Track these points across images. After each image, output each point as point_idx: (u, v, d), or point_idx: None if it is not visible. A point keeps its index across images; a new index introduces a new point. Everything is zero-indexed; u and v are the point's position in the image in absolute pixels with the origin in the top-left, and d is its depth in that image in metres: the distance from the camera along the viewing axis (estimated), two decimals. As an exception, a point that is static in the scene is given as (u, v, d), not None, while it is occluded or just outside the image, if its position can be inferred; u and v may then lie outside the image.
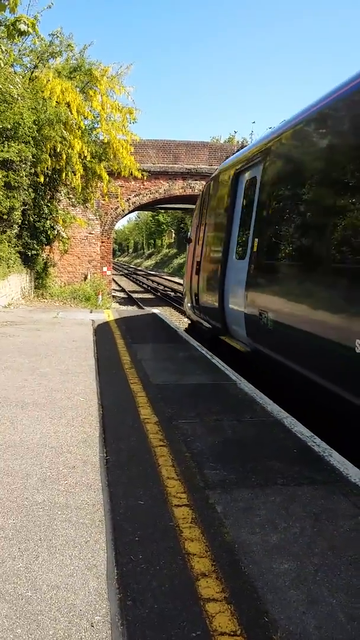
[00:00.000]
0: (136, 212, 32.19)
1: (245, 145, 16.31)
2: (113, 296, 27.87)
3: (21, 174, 14.20)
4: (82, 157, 17.10)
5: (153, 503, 3.53)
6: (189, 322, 13.54)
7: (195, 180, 25.07)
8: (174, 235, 74.18)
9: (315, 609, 2.51)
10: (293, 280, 6.20)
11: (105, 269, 25.64)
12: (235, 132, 62.94)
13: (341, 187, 5.21)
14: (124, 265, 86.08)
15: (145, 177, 21.23)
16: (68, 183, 18.21)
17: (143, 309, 21.93)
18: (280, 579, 2.74)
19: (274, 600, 2.57)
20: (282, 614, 2.48)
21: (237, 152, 11.67)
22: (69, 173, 17.25)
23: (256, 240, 7.29)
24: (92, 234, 25.04)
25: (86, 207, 21.14)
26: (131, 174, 19.50)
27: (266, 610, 2.51)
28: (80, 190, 18.72)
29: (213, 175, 11.21)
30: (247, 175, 8.36)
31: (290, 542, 3.08)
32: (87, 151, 17.21)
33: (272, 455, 4.36)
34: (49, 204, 18.15)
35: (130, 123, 18.88)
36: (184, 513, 3.39)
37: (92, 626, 2.40)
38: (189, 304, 12.20)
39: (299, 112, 6.51)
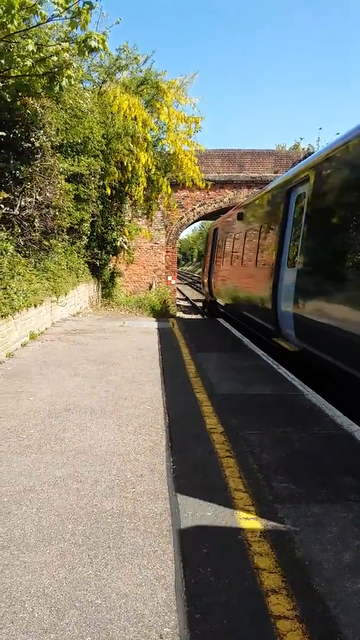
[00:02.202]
0: (201, 221, 32.27)
1: (312, 153, 16.20)
2: (177, 305, 28.04)
3: (90, 187, 14.56)
4: (147, 170, 17.37)
5: (221, 514, 3.49)
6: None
7: (260, 188, 24.92)
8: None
9: (393, 634, 2.39)
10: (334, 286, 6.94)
11: (170, 277, 25.86)
12: (302, 138, 62.11)
13: None
14: (188, 274, 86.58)
15: (209, 187, 21.29)
16: (132, 195, 18.52)
17: (206, 317, 21.92)
18: (354, 598, 2.64)
19: (348, 622, 2.48)
20: (356, 636, 2.38)
21: (303, 159, 11.88)
22: (134, 185, 17.55)
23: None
24: (157, 243, 25.35)
25: (150, 218, 21.45)
26: (195, 184, 19.62)
27: (339, 631, 2.42)
28: (142, 202, 19.01)
29: (259, 194, 12.57)
30: (298, 190, 9.08)
31: (364, 561, 2.96)
32: (152, 164, 17.46)
33: (342, 470, 4.22)
34: (115, 216, 18.53)
35: (195, 132, 19.02)
36: (252, 526, 3.33)
37: (161, 638, 2.39)
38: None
39: (342, 135, 7.29)
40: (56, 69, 8.67)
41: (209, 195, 24.80)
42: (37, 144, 10.91)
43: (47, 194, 11.55)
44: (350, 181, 6.62)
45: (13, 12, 7.39)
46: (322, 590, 2.70)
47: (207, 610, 2.55)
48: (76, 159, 14.06)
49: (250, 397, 6.46)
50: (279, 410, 5.94)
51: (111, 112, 15.77)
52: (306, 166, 8.60)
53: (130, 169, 16.68)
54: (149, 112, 17.58)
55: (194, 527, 3.32)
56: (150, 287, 25.41)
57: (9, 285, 8.91)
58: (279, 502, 3.66)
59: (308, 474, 4.14)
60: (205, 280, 20.57)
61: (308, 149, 31.05)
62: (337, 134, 9.69)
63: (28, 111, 10.50)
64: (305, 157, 16.15)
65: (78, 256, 15.48)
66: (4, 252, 9.42)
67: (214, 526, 3.34)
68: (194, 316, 25.14)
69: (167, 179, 18.90)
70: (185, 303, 34.47)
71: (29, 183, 11.01)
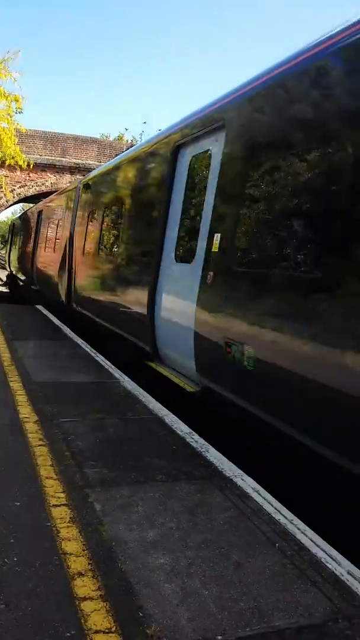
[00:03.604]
0: (22, 204, 31.01)
1: (134, 145, 16.41)
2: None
3: None
4: None
5: (30, 503, 3.44)
6: None
7: (83, 175, 24.72)
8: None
9: (189, 602, 2.60)
10: None
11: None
12: (127, 129, 62.69)
13: None
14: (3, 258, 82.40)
15: (31, 168, 20.53)
16: None
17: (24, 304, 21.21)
18: (155, 573, 2.80)
19: (149, 595, 2.63)
20: (156, 608, 2.54)
21: (126, 150, 11.45)
22: None
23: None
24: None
25: None
26: (17, 164, 18.76)
27: (141, 605, 2.55)
28: None
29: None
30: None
31: (167, 536, 3.15)
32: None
33: (152, 452, 4.43)
34: None
35: (15, 112, 18.11)
36: (61, 513, 3.35)
37: None
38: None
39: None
40: None
41: (30, 177, 23.93)
42: None
43: None
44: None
45: None
46: (127, 569, 2.82)
47: (12, 600, 2.51)
48: None
49: (67, 385, 6.43)
50: (95, 397, 6.01)
51: None
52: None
53: None
54: None
55: (0, 519, 3.23)
56: None
57: None
58: (90, 487, 3.72)
59: (120, 458, 4.27)
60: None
61: (132, 141, 31.55)
62: (159, 129, 9.36)
63: None
64: (128, 149, 16.19)
65: None
66: None
67: (22, 515, 3.28)
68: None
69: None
70: (3, 289, 32.84)
71: None
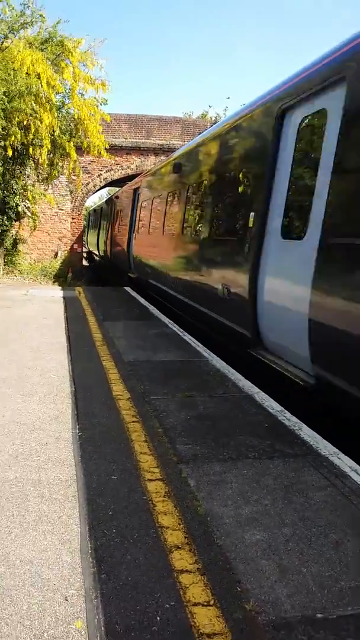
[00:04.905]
0: (107, 187, 31.63)
1: (218, 121, 15.69)
2: (84, 273, 27.56)
3: (-11, 147, 13.82)
4: (52, 132, 16.70)
5: (126, 478, 3.53)
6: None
7: (167, 156, 24.79)
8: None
9: (287, 578, 2.56)
10: None
11: (75, 245, 25.27)
12: (210, 106, 61.97)
13: None
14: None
15: (114, 157, 20.84)
16: (36, 159, 17.75)
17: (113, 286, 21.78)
18: (252, 549, 2.79)
19: (246, 571, 2.62)
20: (254, 584, 2.53)
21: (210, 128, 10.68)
22: (37, 147, 16.83)
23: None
24: (62, 210, 24.58)
25: (54, 183, 20.70)
26: (100, 154, 19.11)
27: (239, 580, 2.55)
28: (46, 166, 18.29)
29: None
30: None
31: (262, 514, 3.13)
32: (57, 126, 16.79)
33: (243, 430, 4.40)
34: (17, 179, 17.73)
35: (101, 105, 18.37)
36: (157, 487, 3.41)
37: (67, 600, 2.41)
38: None
39: None
40: None
41: (115, 161, 24.30)
42: None
43: None
44: None
45: None
46: (223, 544, 2.83)
47: (112, 569, 2.60)
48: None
49: (157, 363, 6.53)
50: (184, 375, 6.05)
51: (13, 69, 14.92)
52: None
53: (33, 130, 15.95)
54: (54, 70, 16.79)
55: (99, 491, 3.34)
56: (56, 255, 24.70)
57: None
58: (183, 463, 3.76)
59: (211, 435, 4.27)
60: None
61: (215, 117, 31.15)
62: (243, 104, 8.88)
63: None
64: (212, 125, 15.24)
65: (-23, 221, 14.73)
66: None
67: (119, 489, 3.38)
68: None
69: (73, 144, 18.28)
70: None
71: None
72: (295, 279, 5.11)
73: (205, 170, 8.84)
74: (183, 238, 9.73)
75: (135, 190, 16.24)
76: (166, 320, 9.66)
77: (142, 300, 12.56)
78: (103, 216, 23.71)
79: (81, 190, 24.43)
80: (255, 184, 6.40)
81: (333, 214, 4.55)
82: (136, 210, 15.73)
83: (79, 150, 18.93)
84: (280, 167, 5.73)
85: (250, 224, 6.20)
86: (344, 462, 3.81)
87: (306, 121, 5.39)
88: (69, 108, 18.59)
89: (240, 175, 7.06)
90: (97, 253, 26.55)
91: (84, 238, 26.35)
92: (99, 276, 25.57)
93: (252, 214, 6.17)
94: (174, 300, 10.47)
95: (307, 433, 4.36)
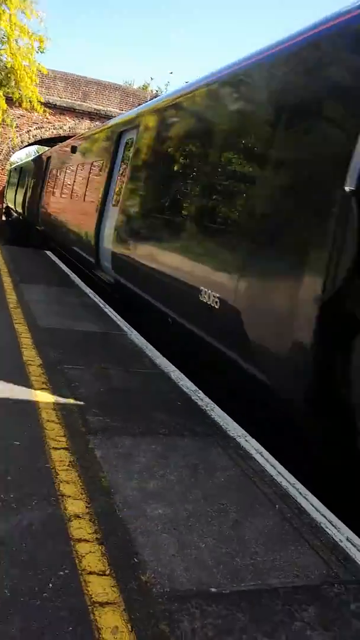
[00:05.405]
0: (37, 146, 30.30)
1: (159, 95, 16.11)
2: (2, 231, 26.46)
3: None
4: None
5: (30, 444, 3.43)
6: None
7: (103, 122, 24.12)
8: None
9: (185, 553, 2.59)
10: None
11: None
12: (152, 79, 60.89)
13: None
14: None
15: (47, 113, 19.95)
16: None
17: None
18: (154, 523, 2.79)
19: (146, 543, 2.61)
20: (152, 556, 2.53)
21: (150, 99, 11.69)
22: None
23: None
24: (-16, 163, 23.36)
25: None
26: (33, 107, 18.20)
27: (137, 552, 2.55)
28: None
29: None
30: None
31: (167, 489, 3.14)
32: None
33: (156, 406, 4.39)
34: None
35: (37, 52, 17.45)
36: (61, 456, 3.33)
37: None
38: None
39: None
40: None
41: (47, 119, 23.27)
42: None
43: None
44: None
45: None
46: (124, 516, 2.81)
47: (7, 537, 2.51)
48: None
49: (74, 332, 6.38)
50: (101, 347, 5.96)
51: None
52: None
53: None
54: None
55: (0, 457, 3.21)
56: (-25, 210, 23.57)
57: None
58: (91, 434, 3.70)
59: (123, 409, 4.23)
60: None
61: (157, 91, 30.67)
62: (186, 82, 9.08)
63: None
64: (152, 99, 15.55)
65: None
66: None
67: (21, 455, 3.27)
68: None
69: (3, 93, 17.28)
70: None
71: None
72: (110, 228, 8.72)
73: (82, 157, 12.98)
74: (68, 201, 13.69)
75: (48, 159, 19.39)
76: (88, 290, 9.46)
77: (63, 267, 12.23)
78: (22, 175, 26.04)
79: (7, 143, 23.26)
80: (106, 173, 9.85)
81: (119, 192, 8.68)
82: (46, 176, 19.10)
83: (9, 101, 17.92)
84: (116, 164, 9.44)
85: (100, 196, 9.91)
86: (250, 444, 3.90)
87: (127, 142, 9.00)
88: (1, 54, 17.52)
89: (100, 165, 10.65)
90: (13, 208, 28.91)
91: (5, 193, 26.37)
92: (19, 236, 24.73)
93: (102, 189, 9.81)
94: (63, 242, 14.10)
95: (218, 414, 4.42)
